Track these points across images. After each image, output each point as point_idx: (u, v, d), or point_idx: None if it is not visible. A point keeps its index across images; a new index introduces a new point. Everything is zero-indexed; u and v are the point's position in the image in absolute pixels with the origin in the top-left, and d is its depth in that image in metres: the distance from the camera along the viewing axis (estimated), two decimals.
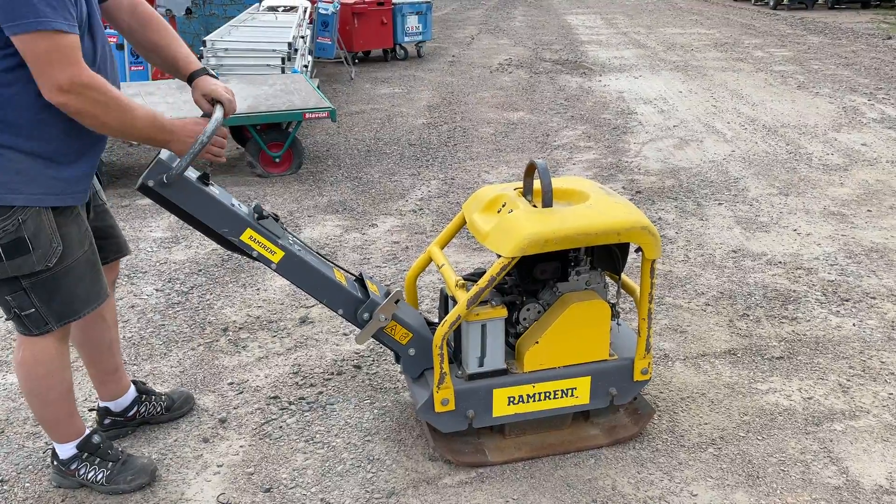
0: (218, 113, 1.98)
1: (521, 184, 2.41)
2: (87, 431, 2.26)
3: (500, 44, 12.50)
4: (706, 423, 2.54)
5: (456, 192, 5.07)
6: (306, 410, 2.64)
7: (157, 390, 2.64)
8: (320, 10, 9.11)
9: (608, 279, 2.47)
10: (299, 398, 2.71)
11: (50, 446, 2.35)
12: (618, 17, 16.66)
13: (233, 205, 2.10)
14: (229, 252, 4.00)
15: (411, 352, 2.32)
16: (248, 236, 2.08)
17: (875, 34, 12.34)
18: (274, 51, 6.48)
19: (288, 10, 8.19)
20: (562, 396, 2.33)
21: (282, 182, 5.32)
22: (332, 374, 2.87)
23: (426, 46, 11.33)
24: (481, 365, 2.27)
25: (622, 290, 2.49)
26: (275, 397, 2.72)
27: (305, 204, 4.86)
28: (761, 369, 2.87)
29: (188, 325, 3.28)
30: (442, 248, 2.56)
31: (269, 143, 5.34)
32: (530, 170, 2.33)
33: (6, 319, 2.04)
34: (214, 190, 2.09)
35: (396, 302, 2.24)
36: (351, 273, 2.36)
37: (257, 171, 5.40)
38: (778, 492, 2.22)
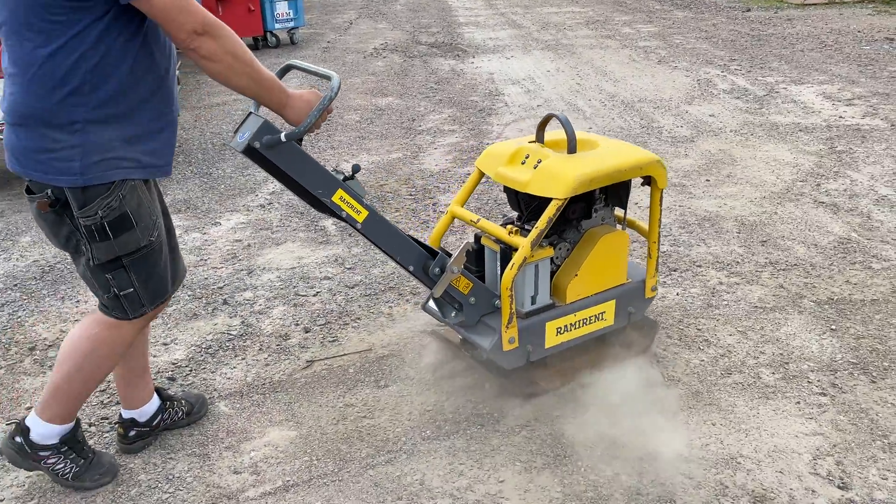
0: (335, 82, 2.00)
1: (531, 137, 2.61)
2: (74, 424, 2.18)
3: (378, 28, 12.31)
4: (524, 406, 2.55)
5: None
6: (107, 431, 2.47)
7: (175, 395, 2.50)
8: None
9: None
10: (101, 419, 2.54)
11: None
12: None
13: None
14: (51, 263, 3.74)
15: (472, 300, 2.41)
16: (338, 197, 2.14)
17: (735, 7, 12.91)
18: None
19: None
20: (595, 321, 2.59)
21: None
22: None
23: (300, 33, 11.00)
24: (534, 303, 2.48)
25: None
26: None
27: None
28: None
29: None
30: (462, 205, 2.67)
31: None
32: (545, 122, 2.56)
33: (106, 297, 2.00)
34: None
35: (467, 253, 2.34)
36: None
37: None
38: (582, 470, 2.25)
